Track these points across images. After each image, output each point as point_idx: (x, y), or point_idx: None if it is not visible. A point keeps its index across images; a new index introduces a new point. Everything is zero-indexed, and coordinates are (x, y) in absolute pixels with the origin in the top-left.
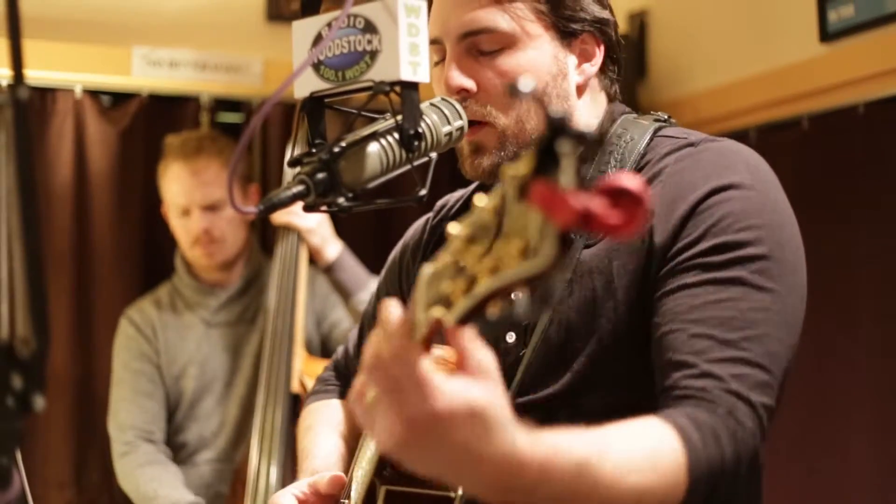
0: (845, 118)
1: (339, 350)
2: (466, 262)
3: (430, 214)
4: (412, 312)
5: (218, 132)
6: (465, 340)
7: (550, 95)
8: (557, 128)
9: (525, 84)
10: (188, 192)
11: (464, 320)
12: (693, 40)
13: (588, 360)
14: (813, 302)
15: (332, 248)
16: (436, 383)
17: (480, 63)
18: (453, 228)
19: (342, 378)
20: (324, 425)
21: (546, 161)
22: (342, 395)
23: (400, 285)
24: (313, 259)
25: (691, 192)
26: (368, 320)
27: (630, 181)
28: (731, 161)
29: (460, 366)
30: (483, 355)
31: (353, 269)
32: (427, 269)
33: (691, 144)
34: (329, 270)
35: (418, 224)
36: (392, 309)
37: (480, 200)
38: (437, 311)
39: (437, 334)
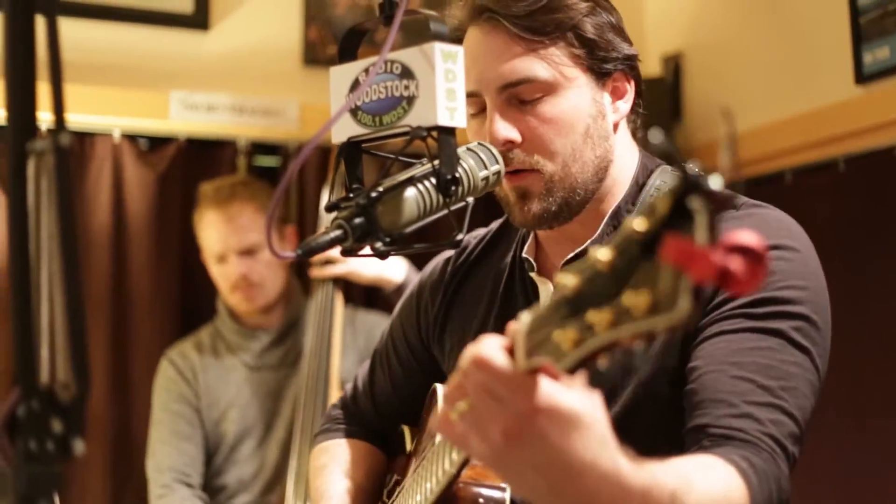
0: (881, 160)
1: (348, 388)
2: (579, 312)
3: (452, 254)
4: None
5: (251, 177)
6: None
7: (593, 137)
8: (692, 184)
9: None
10: (223, 238)
11: (573, 369)
12: (728, 83)
13: (625, 404)
14: (851, 341)
15: (396, 270)
16: (536, 381)
17: (523, 112)
18: (564, 278)
19: (350, 416)
20: (337, 466)
21: (673, 216)
22: (349, 433)
23: (417, 324)
24: (378, 288)
25: None
26: (381, 359)
27: (753, 239)
28: (774, 227)
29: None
30: (577, 378)
31: None
32: (525, 317)
33: (733, 207)
34: (398, 292)
35: (437, 262)
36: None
37: (596, 252)
38: (545, 360)
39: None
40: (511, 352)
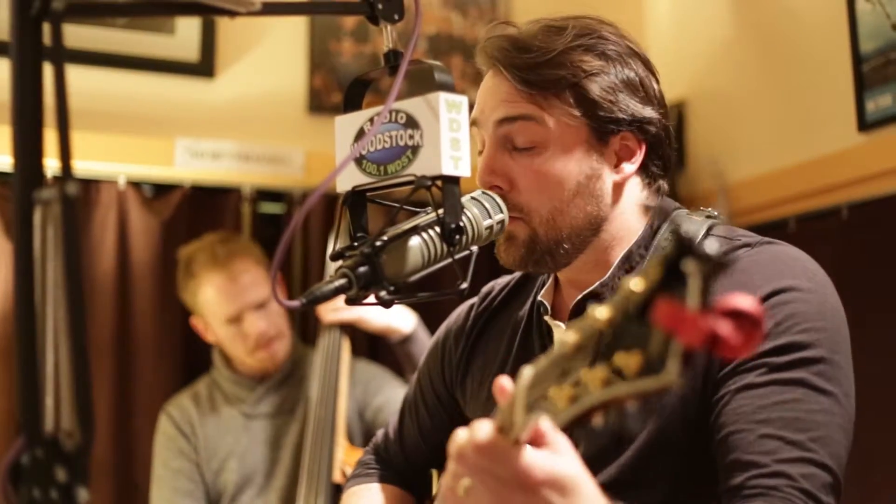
0: (885, 207)
1: (379, 434)
2: (575, 370)
3: (476, 300)
4: (509, 412)
5: (229, 231)
6: (541, 426)
7: (584, 195)
8: (686, 247)
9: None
10: (233, 297)
11: (567, 426)
12: (731, 131)
13: (638, 452)
14: (856, 391)
15: (405, 321)
16: (528, 456)
17: (514, 160)
18: (563, 334)
19: (382, 462)
20: None
21: (669, 279)
22: (382, 478)
23: (442, 370)
24: (383, 338)
25: (752, 292)
26: (409, 406)
27: (748, 303)
28: (790, 265)
29: (538, 444)
30: (560, 437)
31: (426, 342)
32: (528, 372)
33: (748, 245)
34: (404, 343)
35: (462, 309)
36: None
37: (595, 310)
38: (541, 416)
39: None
40: (501, 430)
